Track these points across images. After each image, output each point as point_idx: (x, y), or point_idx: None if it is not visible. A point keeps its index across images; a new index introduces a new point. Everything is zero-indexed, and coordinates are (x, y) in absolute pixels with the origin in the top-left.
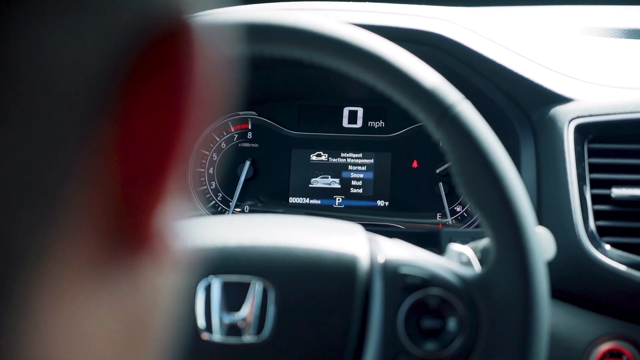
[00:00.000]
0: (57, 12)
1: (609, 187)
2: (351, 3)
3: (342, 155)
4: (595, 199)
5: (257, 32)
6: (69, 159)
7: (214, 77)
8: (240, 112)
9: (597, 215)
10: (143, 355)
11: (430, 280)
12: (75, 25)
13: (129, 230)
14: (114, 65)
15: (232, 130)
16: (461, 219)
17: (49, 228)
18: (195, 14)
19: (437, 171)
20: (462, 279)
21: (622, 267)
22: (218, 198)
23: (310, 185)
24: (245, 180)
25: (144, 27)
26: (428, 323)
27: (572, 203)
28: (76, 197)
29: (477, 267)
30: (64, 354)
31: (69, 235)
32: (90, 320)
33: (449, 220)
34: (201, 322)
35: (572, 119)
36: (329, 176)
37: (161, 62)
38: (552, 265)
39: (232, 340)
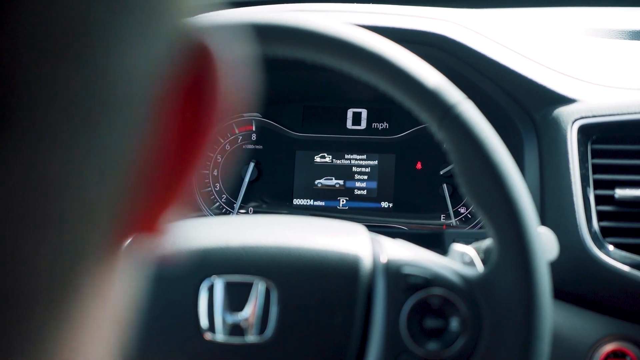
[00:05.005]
0: (129, 35)
1: (613, 188)
2: (355, 5)
3: (346, 156)
4: (599, 200)
5: (260, 32)
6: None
7: (231, 80)
8: (245, 114)
9: (601, 216)
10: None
11: (432, 280)
12: (141, 45)
13: (137, 224)
14: (158, 74)
15: (236, 132)
16: (465, 220)
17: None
18: (201, 18)
19: (441, 172)
20: (465, 279)
21: (626, 268)
22: (222, 200)
23: (314, 187)
24: (250, 181)
25: (175, 40)
26: (430, 323)
27: (575, 204)
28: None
29: (479, 267)
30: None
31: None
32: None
33: (453, 221)
34: (204, 322)
35: (576, 120)
36: (333, 178)
37: (190, 70)
38: (555, 265)
39: (235, 340)
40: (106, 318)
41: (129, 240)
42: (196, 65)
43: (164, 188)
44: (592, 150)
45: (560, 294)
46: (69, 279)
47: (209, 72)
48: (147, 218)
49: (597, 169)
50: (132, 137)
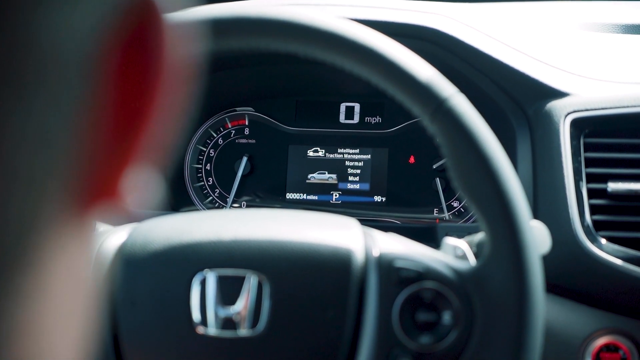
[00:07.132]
0: None
1: (605, 182)
2: None
3: (339, 151)
4: (592, 194)
5: (252, 25)
6: (61, 124)
7: (176, 38)
8: (237, 108)
9: (593, 209)
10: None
11: (425, 274)
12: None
13: (89, 190)
14: (99, 37)
15: (229, 126)
16: (458, 214)
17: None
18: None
19: (434, 167)
20: (457, 273)
21: (618, 262)
22: (215, 194)
23: (307, 181)
24: (243, 176)
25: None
26: (423, 316)
27: (568, 197)
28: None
29: (472, 261)
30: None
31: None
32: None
33: (446, 215)
34: (196, 315)
35: (568, 114)
36: (326, 172)
37: (134, 25)
38: (548, 259)
39: (227, 334)
40: (70, 295)
41: (94, 210)
42: (140, 21)
43: (117, 151)
44: (585, 144)
45: (553, 287)
46: (19, 250)
47: (153, 27)
48: (106, 184)
49: (589, 162)
50: (78, 100)
